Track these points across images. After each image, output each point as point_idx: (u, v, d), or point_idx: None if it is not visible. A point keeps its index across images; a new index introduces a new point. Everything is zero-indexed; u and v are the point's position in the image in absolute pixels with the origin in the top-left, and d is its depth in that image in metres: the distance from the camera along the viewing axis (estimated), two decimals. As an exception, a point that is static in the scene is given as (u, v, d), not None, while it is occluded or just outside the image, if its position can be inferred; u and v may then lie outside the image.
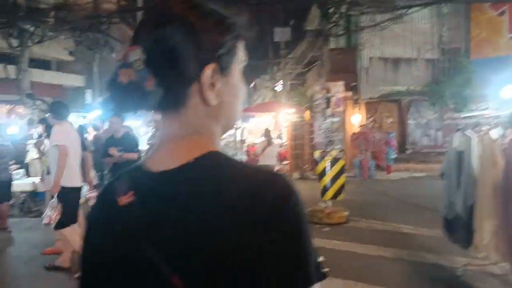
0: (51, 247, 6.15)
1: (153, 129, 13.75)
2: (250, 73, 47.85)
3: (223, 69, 0.84)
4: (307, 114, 14.85)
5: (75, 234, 5.44)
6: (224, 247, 0.72)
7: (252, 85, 53.50)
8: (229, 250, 0.72)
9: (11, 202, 8.38)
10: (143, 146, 14.65)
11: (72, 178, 5.41)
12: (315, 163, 9.22)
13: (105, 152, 6.57)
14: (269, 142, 9.91)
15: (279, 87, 28.37)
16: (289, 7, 22.22)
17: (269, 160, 9.85)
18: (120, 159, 6.38)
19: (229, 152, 26.37)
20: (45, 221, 5.46)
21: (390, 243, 6.65)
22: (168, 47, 0.79)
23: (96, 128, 12.35)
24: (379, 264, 5.75)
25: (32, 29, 11.62)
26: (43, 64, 18.18)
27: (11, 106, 10.23)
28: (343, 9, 13.27)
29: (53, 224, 5.42)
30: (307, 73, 24.18)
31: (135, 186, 0.82)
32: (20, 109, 10.24)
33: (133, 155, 6.44)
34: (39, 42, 12.07)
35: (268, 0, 16.79)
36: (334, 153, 8.59)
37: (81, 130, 11.05)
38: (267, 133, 10.21)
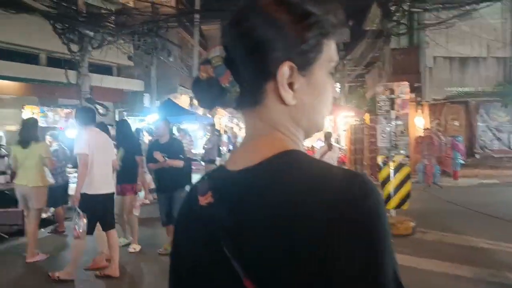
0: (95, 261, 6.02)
1: (208, 134, 13.57)
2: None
3: (304, 68, 0.80)
4: (367, 117, 14.14)
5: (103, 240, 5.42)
6: (300, 250, 0.68)
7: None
8: (305, 253, 0.68)
9: (67, 205, 8.35)
10: (198, 150, 14.60)
11: (94, 185, 5.22)
12: (377, 169, 8.57)
13: (150, 157, 6.39)
14: (329, 146, 9.38)
15: (337, 89, 27.72)
16: (348, 6, 21.45)
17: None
18: (164, 164, 6.16)
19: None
20: (74, 234, 5.27)
21: (466, 259, 5.95)
22: (245, 41, 0.78)
23: (150, 132, 12.31)
24: (454, 285, 5.09)
25: (92, 34, 11.72)
26: (104, 69, 18.58)
27: (68, 110, 10.32)
28: (405, 6, 12.51)
29: (83, 235, 5.26)
30: (367, 75, 23.43)
31: (214, 185, 0.82)
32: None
33: (178, 163, 6.22)
34: (98, 47, 12.18)
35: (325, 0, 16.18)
36: (398, 158, 7.94)
37: (138, 133, 11.06)
38: (327, 137, 9.68)
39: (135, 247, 6.73)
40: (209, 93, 0.80)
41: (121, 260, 5.69)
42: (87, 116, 5.43)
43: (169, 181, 6.21)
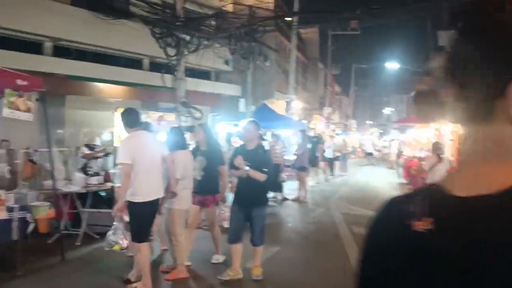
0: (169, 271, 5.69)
1: (299, 140, 12.97)
2: (409, 80, 45.03)
3: None
4: (478, 125, 12.65)
5: (146, 252, 4.95)
6: None
7: (412, 93, 50.35)
8: None
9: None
10: (289, 156, 14.08)
11: (138, 192, 4.81)
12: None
13: (233, 162, 5.57)
14: (439, 158, 8.29)
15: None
16: (457, 5, 19.69)
17: (438, 180, 8.26)
18: (243, 173, 5.29)
19: (375, 163, 24.41)
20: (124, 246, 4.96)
21: None
22: (476, 53, 0.72)
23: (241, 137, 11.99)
24: None
25: (188, 38, 11.71)
26: (202, 74, 18.80)
27: (160, 113, 10.32)
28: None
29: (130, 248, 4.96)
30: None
31: (434, 211, 0.75)
32: (170, 117, 10.28)
33: (260, 175, 5.26)
34: (194, 51, 12.15)
35: (431, -1, 14.88)
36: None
37: (228, 138, 10.79)
38: (436, 148, 8.58)
39: (218, 258, 6.31)
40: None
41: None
42: (129, 118, 5.02)
43: (248, 194, 5.35)
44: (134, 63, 16.48)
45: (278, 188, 12.14)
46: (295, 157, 12.67)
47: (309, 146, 14.36)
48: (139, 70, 16.40)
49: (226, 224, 6.98)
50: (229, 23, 13.16)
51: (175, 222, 5.47)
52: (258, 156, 5.36)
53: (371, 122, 79.45)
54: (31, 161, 9.09)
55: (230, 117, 16.58)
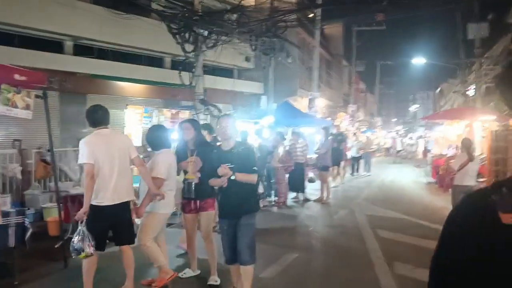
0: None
1: (322, 138, 12.30)
2: (436, 77, 43.70)
3: None
4: (511, 122, 11.73)
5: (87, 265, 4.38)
6: None
7: (437, 90, 48.89)
8: None
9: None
10: (311, 154, 13.44)
11: (99, 195, 4.32)
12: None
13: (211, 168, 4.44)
14: (470, 157, 7.55)
15: (471, 91, 24.61)
16: (488, -2, 18.85)
17: (468, 179, 7.52)
18: (223, 183, 4.23)
19: (402, 161, 23.52)
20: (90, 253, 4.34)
21: None
22: None
23: (260, 135, 11.45)
24: None
25: (205, 33, 11.21)
26: (224, 72, 18.32)
27: (174, 111, 9.83)
28: None
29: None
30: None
31: None
32: (185, 114, 9.78)
33: (250, 177, 4.33)
34: (212, 47, 11.65)
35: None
36: None
37: (244, 136, 10.25)
38: (466, 145, 7.82)
39: (215, 279, 5.25)
40: None
41: None
42: (94, 115, 4.53)
43: (234, 201, 4.35)
44: (155, 61, 16.11)
45: (300, 188, 11.54)
46: (316, 155, 12.01)
47: (335, 144, 13.71)
48: (161, 69, 16.00)
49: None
50: (249, 18, 12.58)
51: (150, 227, 4.81)
52: (241, 156, 4.34)
53: (396, 120, 77.91)
54: (44, 161, 8.76)
55: (251, 115, 16.05)
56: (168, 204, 4.96)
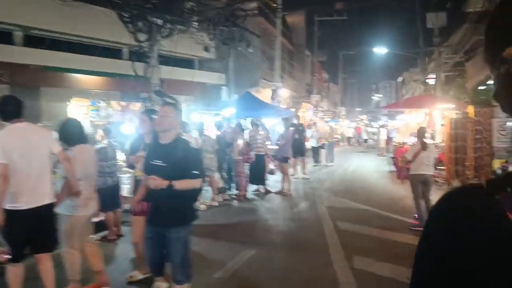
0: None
1: (283, 129, 12.02)
2: (397, 66, 44.23)
3: None
4: (470, 109, 11.76)
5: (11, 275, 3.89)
6: None
7: (399, 79, 49.59)
8: None
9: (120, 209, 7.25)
10: (272, 146, 13.14)
11: (13, 198, 3.80)
12: (492, 175, 6.52)
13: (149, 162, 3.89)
14: (423, 145, 7.43)
15: (431, 80, 24.90)
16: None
17: (424, 168, 7.40)
18: (157, 185, 3.59)
19: (367, 150, 23.48)
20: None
21: None
22: None
23: (219, 127, 11.07)
24: None
25: (160, 22, 10.68)
26: (184, 62, 17.78)
27: (124, 103, 9.33)
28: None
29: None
30: (467, 63, 20.54)
31: None
32: (136, 107, 9.30)
33: (191, 183, 3.71)
34: (167, 36, 11.13)
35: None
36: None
37: (200, 127, 9.88)
38: (420, 133, 7.71)
39: (136, 275, 5.05)
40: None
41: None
42: (6, 108, 3.98)
43: (164, 208, 3.76)
44: (112, 52, 15.40)
45: (261, 180, 11.25)
46: (277, 147, 11.72)
47: (296, 135, 13.45)
48: (118, 60, 15.31)
49: None
50: (206, 6, 12.12)
51: (73, 231, 4.34)
52: (177, 155, 3.70)
53: (360, 109, 78.85)
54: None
55: (212, 107, 15.62)
56: (87, 205, 4.49)
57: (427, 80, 24.34)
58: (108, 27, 12.74)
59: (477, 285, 0.69)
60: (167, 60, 16.08)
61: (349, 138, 34.78)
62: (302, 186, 12.51)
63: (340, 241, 6.68)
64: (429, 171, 7.46)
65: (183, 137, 4.21)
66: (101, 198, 4.85)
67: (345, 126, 38.37)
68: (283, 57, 25.98)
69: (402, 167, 7.74)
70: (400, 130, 20.73)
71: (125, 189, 7.43)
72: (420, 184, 7.41)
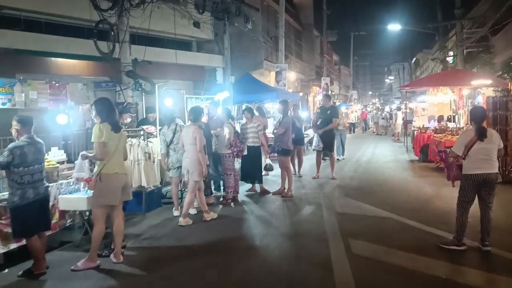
0: None
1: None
2: (411, 46, 41.30)
3: None
4: None
5: None
6: None
7: (413, 60, 46.59)
8: None
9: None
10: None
11: None
12: None
13: None
14: (480, 133, 5.01)
15: (450, 57, 22.25)
16: None
17: (480, 165, 5.00)
18: None
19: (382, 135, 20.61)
20: None
21: None
22: None
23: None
24: None
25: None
26: (182, 44, 15.47)
27: (58, 84, 7.08)
28: None
29: None
30: (494, 37, 17.88)
31: None
32: (77, 87, 7.08)
33: None
34: (137, 5, 8.82)
35: None
36: None
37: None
38: (477, 116, 5.24)
39: None
40: None
41: None
42: None
43: None
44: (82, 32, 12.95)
45: (256, 177, 8.98)
46: (274, 137, 9.33)
47: (299, 124, 11.10)
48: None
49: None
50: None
51: None
52: None
53: (372, 93, 75.83)
54: None
55: (206, 91, 13.30)
56: None
57: (447, 58, 21.71)
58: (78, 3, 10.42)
59: None
60: (157, 40, 13.80)
61: (352, 125, 30.35)
62: (306, 184, 10.17)
63: (354, 276, 4.38)
64: (489, 168, 5.03)
65: None
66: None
67: (357, 110, 35.73)
68: (289, 37, 23.47)
69: (452, 163, 5.31)
70: (417, 113, 18.23)
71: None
72: (476, 187, 5.03)
